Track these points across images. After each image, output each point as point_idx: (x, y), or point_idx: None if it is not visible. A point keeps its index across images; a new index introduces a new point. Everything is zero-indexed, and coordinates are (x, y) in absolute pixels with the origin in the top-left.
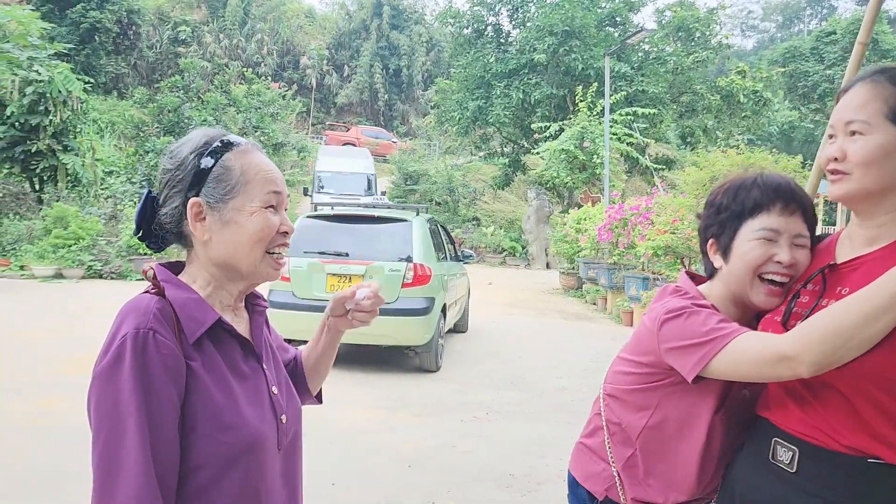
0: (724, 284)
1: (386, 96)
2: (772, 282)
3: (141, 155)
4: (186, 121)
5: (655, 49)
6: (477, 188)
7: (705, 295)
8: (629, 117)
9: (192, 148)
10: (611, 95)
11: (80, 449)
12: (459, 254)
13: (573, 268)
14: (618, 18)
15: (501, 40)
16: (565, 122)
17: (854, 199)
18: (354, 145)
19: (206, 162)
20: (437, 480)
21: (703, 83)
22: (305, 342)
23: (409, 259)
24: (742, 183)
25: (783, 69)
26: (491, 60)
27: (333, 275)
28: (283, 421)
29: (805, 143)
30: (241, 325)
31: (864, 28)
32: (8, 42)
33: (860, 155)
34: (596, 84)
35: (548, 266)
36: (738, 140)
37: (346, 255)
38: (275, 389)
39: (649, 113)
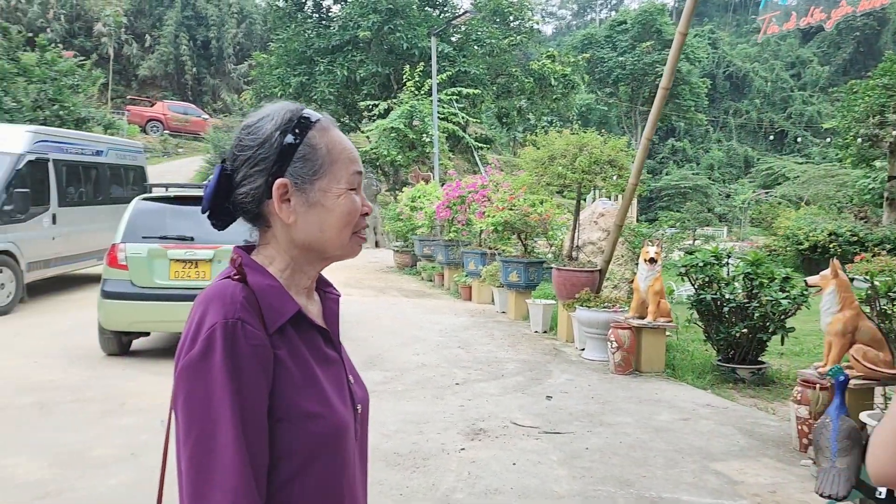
0: None
1: (194, 69)
2: None
3: None
4: None
5: (475, 31)
6: None
7: None
8: (454, 97)
9: (276, 124)
10: (437, 75)
11: None
12: None
13: (408, 246)
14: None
15: (322, 15)
16: (393, 100)
17: None
18: (161, 122)
19: (291, 139)
20: None
21: (517, 66)
22: (145, 335)
23: None
24: None
25: (584, 55)
26: (312, 36)
27: (178, 260)
28: (359, 410)
29: (600, 124)
30: (313, 309)
31: (684, 19)
32: None
33: None
34: (422, 63)
35: (377, 245)
36: (545, 122)
37: (192, 239)
38: (351, 378)
39: (473, 93)
